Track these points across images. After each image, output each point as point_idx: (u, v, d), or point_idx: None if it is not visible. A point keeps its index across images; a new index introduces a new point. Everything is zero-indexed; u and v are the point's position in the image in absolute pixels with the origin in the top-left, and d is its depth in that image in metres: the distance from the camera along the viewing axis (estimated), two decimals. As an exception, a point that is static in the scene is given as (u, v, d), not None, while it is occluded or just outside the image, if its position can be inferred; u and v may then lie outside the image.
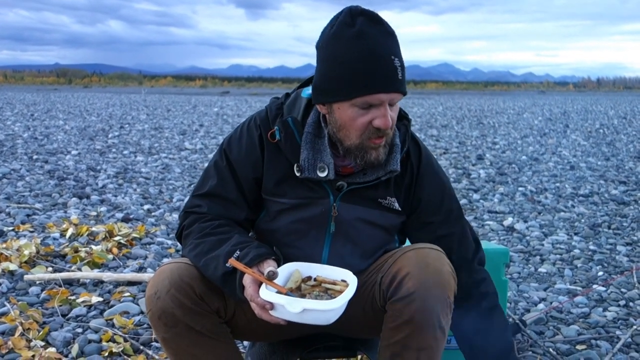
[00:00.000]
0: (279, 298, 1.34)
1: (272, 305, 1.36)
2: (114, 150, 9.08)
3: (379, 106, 1.45)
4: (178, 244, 1.74)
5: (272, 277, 1.40)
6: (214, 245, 1.51)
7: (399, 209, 1.62)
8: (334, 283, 1.46)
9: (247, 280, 1.42)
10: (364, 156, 1.50)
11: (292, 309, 1.31)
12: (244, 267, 1.42)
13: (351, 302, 1.38)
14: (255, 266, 1.43)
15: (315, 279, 1.49)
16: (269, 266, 1.43)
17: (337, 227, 1.60)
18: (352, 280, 1.44)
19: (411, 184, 1.64)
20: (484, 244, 1.87)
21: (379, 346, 1.53)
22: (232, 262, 1.44)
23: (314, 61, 1.55)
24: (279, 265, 1.47)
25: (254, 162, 1.59)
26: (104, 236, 4.01)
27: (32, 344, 2.43)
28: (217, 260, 1.48)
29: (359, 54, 1.42)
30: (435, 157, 1.74)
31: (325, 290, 1.46)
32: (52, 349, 2.40)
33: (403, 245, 1.68)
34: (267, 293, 1.36)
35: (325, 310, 1.33)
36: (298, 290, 1.45)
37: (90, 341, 2.51)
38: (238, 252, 1.46)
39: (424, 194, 1.64)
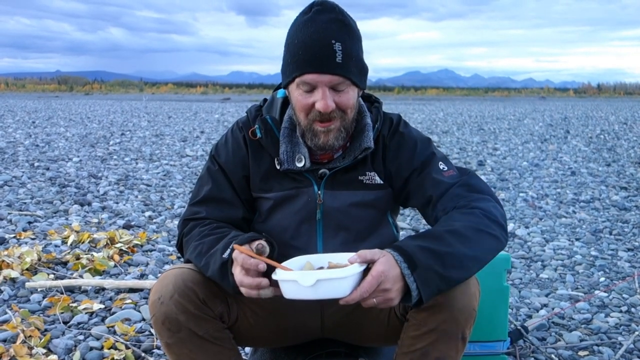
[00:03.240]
0: (291, 274, 1.33)
1: (268, 282, 1.35)
2: (115, 157, 9.09)
3: (319, 89, 1.49)
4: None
5: (260, 250, 1.41)
6: (213, 244, 1.54)
7: (381, 182, 1.65)
8: (346, 266, 1.45)
9: (235, 254, 1.41)
10: (312, 139, 1.55)
11: (305, 282, 1.27)
12: (236, 246, 1.42)
13: (366, 311, 1.36)
14: (247, 244, 1.44)
15: (328, 267, 1.48)
16: (259, 243, 1.43)
17: (325, 216, 1.62)
18: None
19: (384, 153, 1.66)
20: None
21: (395, 354, 1.53)
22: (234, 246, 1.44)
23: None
24: (272, 251, 1.48)
25: (242, 161, 1.68)
26: (105, 243, 4.02)
27: (33, 351, 2.43)
28: (215, 255, 1.50)
29: (302, 37, 1.49)
30: (413, 127, 1.74)
31: None
32: (54, 356, 2.39)
33: None
34: (279, 272, 1.35)
35: (339, 279, 1.29)
36: None
37: (91, 348, 2.51)
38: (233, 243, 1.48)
39: (393, 156, 1.65)
